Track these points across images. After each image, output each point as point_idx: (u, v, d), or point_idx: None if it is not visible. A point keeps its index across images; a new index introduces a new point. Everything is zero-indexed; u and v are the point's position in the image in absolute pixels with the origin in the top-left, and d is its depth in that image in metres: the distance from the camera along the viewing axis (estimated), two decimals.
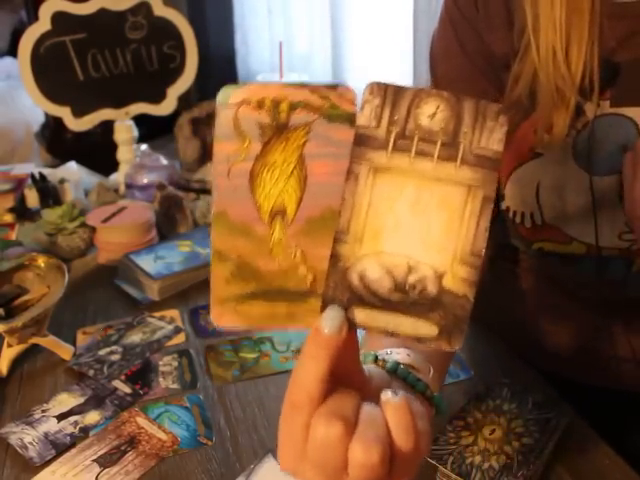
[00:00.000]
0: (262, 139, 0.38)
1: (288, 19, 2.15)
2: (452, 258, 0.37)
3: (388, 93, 0.37)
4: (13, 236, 1.18)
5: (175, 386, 0.78)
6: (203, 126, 1.47)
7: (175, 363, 0.83)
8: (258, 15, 2.31)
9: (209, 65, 2.41)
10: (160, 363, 0.83)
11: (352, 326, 0.37)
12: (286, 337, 0.86)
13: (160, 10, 1.38)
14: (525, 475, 0.59)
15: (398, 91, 0.37)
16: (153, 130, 1.73)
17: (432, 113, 0.36)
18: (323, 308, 0.37)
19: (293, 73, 1.67)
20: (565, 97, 0.63)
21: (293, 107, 0.37)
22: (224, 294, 0.39)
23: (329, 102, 0.37)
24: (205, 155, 1.45)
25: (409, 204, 0.37)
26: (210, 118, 1.46)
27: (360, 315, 0.38)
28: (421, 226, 0.37)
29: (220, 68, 2.60)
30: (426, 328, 0.37)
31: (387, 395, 0.38)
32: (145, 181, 1.29)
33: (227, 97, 0.38)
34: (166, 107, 1.43)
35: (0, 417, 0.73)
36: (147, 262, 1.01)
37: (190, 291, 1.00)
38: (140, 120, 1.41)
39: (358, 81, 1.83)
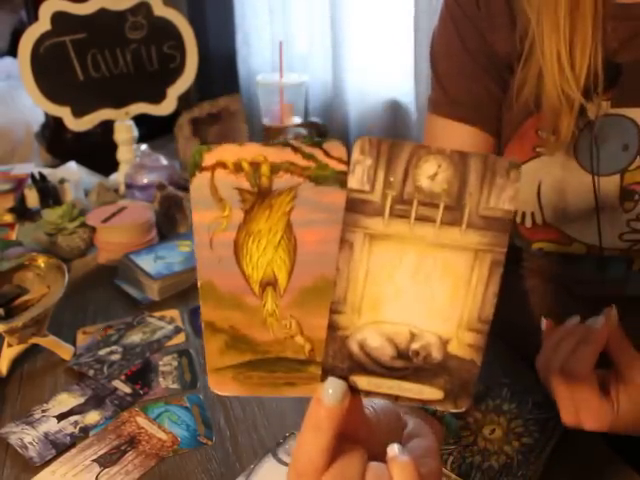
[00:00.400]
0: (243, 206, 0.35)
1: (288, 19, 2.15)
2: (458, 325, 0.34)
3: (381, 151, 0.33)
4: (13, 236, 1.18)
5: (175, 386, 0.78)
6: (203, 126, 1.47)
7: (175, 363, 0.83)
8: (258, 15, 2.31)
9: (209, 65, 2.41)
10: (160, 363, 0.83)
11: (354, 393, 0.36)
12: None
13: (160, 10, 1.38)
14: (525, 475, 0.59)
15: (393, 148, 0.33)
16: (153, 130, 1.73)
17: (433, 173, 0.33)
18: (323, 377, 0.35)
19: (293, 73, 1.67)
20: (570, 99, 0.63)
21: (275, 170, 0.34)
22: (219, 364, 0.38)
23: (315, 162, 0.34)
24: None
25: (410, 272, 0.34)
26: (210, 118, 1.46)
27: (362, 383, 0.36)
28: (424, 294, 0.34)
29: (220, 68, 2.60)
30: (431, 392, 0.36)
31: (394, 451, 0.36)
32: (145, 181, 1.29)
33: (199, 159, 0.34)
34: (166, 107, 1.43)
35: (0, 417, 0.74)
36: (147, 262, 1.01)
37: (190, 291, 1.00)
38: (140, 120, 1.41)
39: (359, 82, 1.83)
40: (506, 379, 0.71)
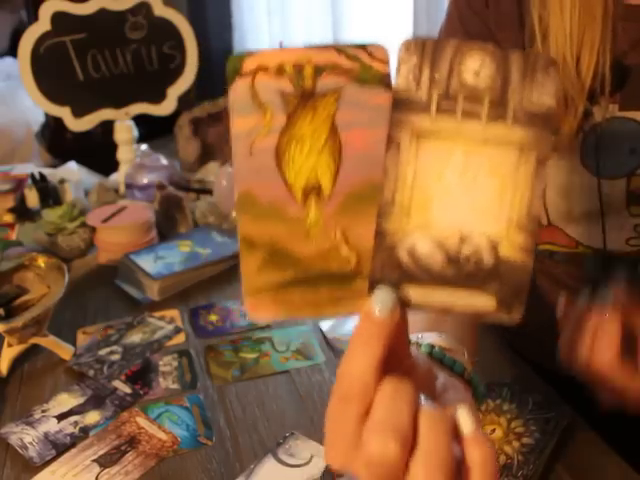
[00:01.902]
0: (286, 110, 0.34)
1: (287, 19, 2.15)
2: (507, 225, 0.33)
3: (426, 50, 0.33)
4: (13, 236, 1.18)
5: (175, 386, 0.78)
6: (203, 126, 1.47)
7: (175, 363, 0.83)
8: (257, 15, 2.31)
9: (209, 65, 2.41)
10: (160, 363, 0.83)
11: (404, 306, 0.34)
12: (286, 337, 0.86)
13: (160, 10, 1.38)
14: (525, 475, 0.59)
15: (437, 46, 0.33)
16: (153, 130, 1.73)
17: (477, 69, 0.33)
18: (371, 290, 0.34)
19: None
20: (574, 101, 0.63)
21: (318, 71, 0.33)
22: (257, 284, 0.35)
23: (359, 63, 0.33)
24: (205, 155, 1.45)
25: (458, 171, 0.33)
26: (210, 118, 1.46)
27: (413, 293, 0.34)
28: (472, 193, 0.33)
29: (220, 68, 2.60)
30: (484, 301, 0.34)
31: (464, 416, 0.34)
32: (145, 181, 1.29)
33: (239, 65, 0.33)
34: (166, 107, 1.43)
35: (0, 417, 0.74)
36: (147, 262, 1.01)
37: (190, 291, 1.00)
38: (140, 120, 1.41)
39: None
40: (506, 379, 0.71)
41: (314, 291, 0.35)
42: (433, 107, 0.33)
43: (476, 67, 0.33)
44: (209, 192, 1.29)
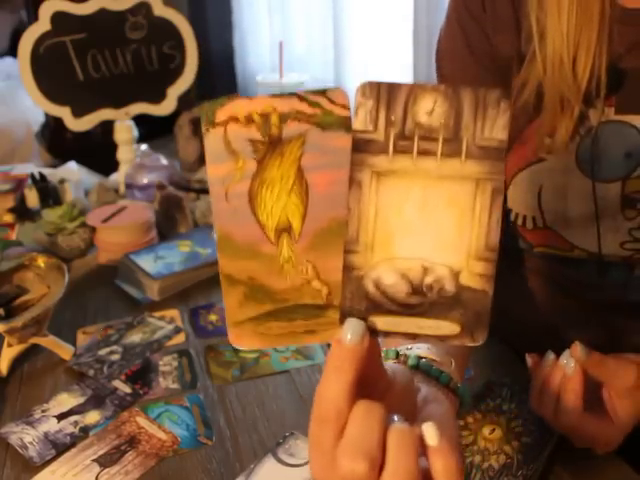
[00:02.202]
0: (256, 156, 0.36)
1: (287, 19, 2.15)
2: (467, 255, 0.36)
3: (381, 93, 0.35)
4: (13, 236, 1.18)
5: (175, 386, 0.78)
6: None
7: (175, 363, 0.83)
8: (257, 15, 2.31)
9: (209, 65, 2.41)
10: (160, 363, 0.83)
11: (373, 334, 0.37)
12: None
13: (160, 10, 1.38)
14: (525, 475, 0.59)
15: (391, 89, 0.35)
16: (153, 130, 1.73)
17: (430, 109, 0.35)
18: (342, 320, 0.36)
19: (292, 73, 1.67)
20: (570, 104, 0.63)
21: (283, 119, 0.36)
22: (239, 317, 0.38)
23: (320, 109, 0.36)
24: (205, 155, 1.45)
25: (417, 206, 0.36)
26: None
27: (380, 322, 0.37)
28: (432, 227, 0.36)
29: (220, 68, 2.60)
30: (448, 327, 0.36)
31: (429, 429, 0.36)
32: (145, 181, 1.29)
33: (211, 116, 0.36)
34: (166, 107, 1.43)
35: (0, 417, 0.74)
36: (147, 262, 1.01)
37: (190, 291, 1.00)
38: (140, 120, 1.41)
39: (359, 80, 1.83)
40: (506, 379, 0.71)
41: (290, 322, 0.38)
42: (390, 148, 0.35)
43: (429, 107, 0.35)
44: (209, 192, 1.29)
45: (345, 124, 0.36)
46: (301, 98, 0.36)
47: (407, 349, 0.49)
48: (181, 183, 1.34)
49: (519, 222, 0.72)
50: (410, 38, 1.55)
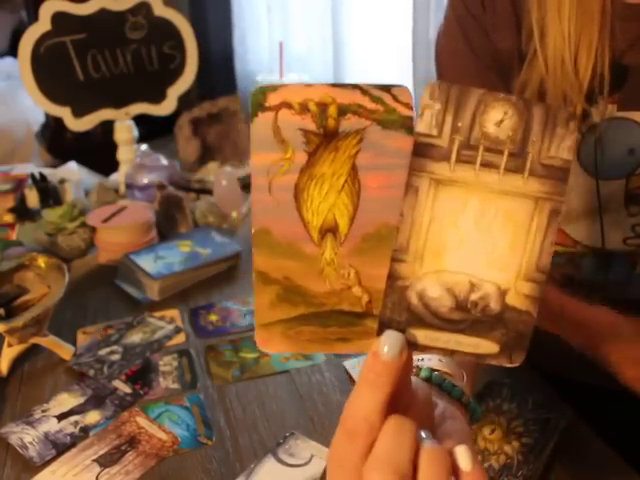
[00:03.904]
0: (307, 148, 0.34)
1: (287, 19, 2.15)
2: (516, 275, 0.34)
3: (451, 97, 0.33)
4: (13, 236, 1.18)
5: (175, 386, 0.78)
6: (203, 126, 1.47)
7: (175, 363, 0.83)
8: (257, 15, 2.31)
9: (209, 65, 2.41)
10: (160, 363, 0.83)
11: (411, 348, 0.35)
12: None
13: (160, 10, 1.38)
14: (525, 475, 0.59)
15: (462, 94, 0.33)
16: (153, 130, 1.73)
17: (499, 120, 0.33)
18: (380, 331, 0.35)
19: (292, 73, 1.67)
20: (572, 102, 0.63)
21: (342, 112, 0.34)
22: (269, 319, 0.36)
23: (383, 105, 0.34)
24: (205, 155, 1.45)
25: (473, 219, 0.34)
26: (210, 118, 1.46)
27: (420, 336, 0.35)
28: (485, 242, 0.34)
29: (220, 68, 2.60)
30: (487, 346, 0.35)
31: (463, 454, 0.35)
32: (145, 181, 1.29)
33: (262, 99, 0.33)
34: (166, 107, 1.43)
35: (0, 417, 0.74)
36: (147, 262, 1.01)
37: (190, 291, 1.00)
38: (140, 120, 1.41)
39: (358, 81, 1.83)
40: (506, 379, 0.71)
41: (324, 328, 0.36)
42: (453, 156, 0.33)
43: (498, 117, 0.33)
44: (209, 192, 1.29)
45: (407, 125, 0.34)
46: (363, 91, 0.34)
47: (419, 360, 0.49)
48: (181, 183, 1.34)
49: None
50: (410, 38, 1.55)
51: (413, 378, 0.43)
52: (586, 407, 0.70)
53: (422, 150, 0.33)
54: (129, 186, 1.30)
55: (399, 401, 0.37)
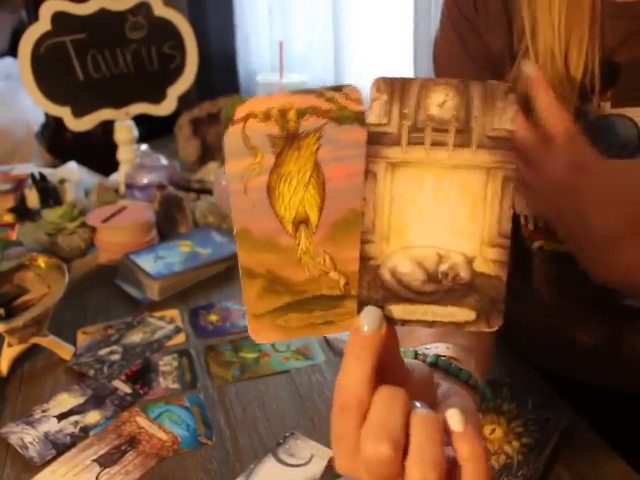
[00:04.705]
0: (274, 151, 0.37)
1: (287, 19, 2.15)
2: (480, 242, 0.37)
3: (395, 87, 0.36)
4: (13, 236, 1.18)
5: (175, 386, 0.78)
6: (203, 126, 1.47)
7: (175, 363, 0.83)
8: (257, 15, 2.31)
9: (209, 65, 2.41)
10: (160, 363, 0.83)
11: (390, 322, 0.37)
12: None
13: (160, 10, 1.38)
14: (525, 475, 0.59)
15: (405, 84, 0.36)
16: (153, 130, 1.73)
17: (441, 102, 0.36)
18: (360, 309, 0.37)
19: (293, 73, 1.67)
20: (564, 100, 0.63)
21: (301, 114, 0.37)
22: (259, 310, 0.39)
23: (336, 104, 0.37)
24: (205, 155, 1.45)
25: (431, 194, 0.37)
26: (210, 118, 1.46)
27: (397, 310, 0.37)
28: (445, 214, 0.37)
29: (220, 68, 2.60)
30: (464, 314, 0.37)
31: (454, 416, 0.37)
32: (145, 181, 1.29)
33: (231, 112, 0.37)
34: (166, 107, 1.43)
35: (0, 417, 0.74)
36: (147, 262, 1.01)
37: (190, 291, 1.00)
38: (140, 120, 1.41)
39: (359, 81, 1.83)
40: (506, 379, 0.71)
41: (309, 313, 0.39)
42: (404, 139, 0.37)
43: (440, 100, 0.36)
44: (209, 192, 1.29)
45: (360, 118, 0.37)
46: (318, 94, 0.37)
47: (426, 349, 0.49)
48: (181, 183, 1.34)
49: (521, 221, 0.72)
50: (411, 37, 1.55)
51: (414, 361, 0.44)
52: (586, 407, 0.70)
53: (375, 138, 0.37)
54: (129, 186, 1.30)
55: (392, 377, 0.38)
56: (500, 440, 0.62)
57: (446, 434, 0.36)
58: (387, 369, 0.38)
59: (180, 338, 0.88)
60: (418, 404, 0.37)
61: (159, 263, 1.01)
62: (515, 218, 0.73)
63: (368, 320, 0.36)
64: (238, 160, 0.37)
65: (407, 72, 1.62)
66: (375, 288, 0.37)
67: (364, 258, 0.37)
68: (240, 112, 0.37)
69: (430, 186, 0.37)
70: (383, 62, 1.77)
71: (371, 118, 0.36)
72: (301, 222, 0.38)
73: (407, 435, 0.35)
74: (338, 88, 0.37)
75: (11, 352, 0.81)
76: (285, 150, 0.37)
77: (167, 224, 1.18)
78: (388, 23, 1.72)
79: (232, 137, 0.37)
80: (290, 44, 2.07)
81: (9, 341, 0.81)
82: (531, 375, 0.77)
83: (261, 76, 1.68)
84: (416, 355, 0.48)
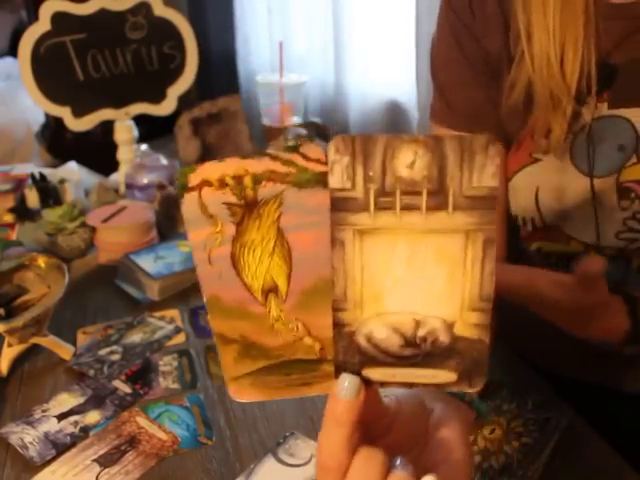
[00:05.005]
0: (234, 220, 0.35)
1: (287, 19, 2.15)
2: (460, 306, 0.35)
3: (356, 148, 0.33)
4: (13, 236, 1.18)
5: (175, 386, 0.78)
6: (203, 126, 1.47)
7: (175, 363, 0.83)
8: (257, 15, 2.31)
9: (209, 65, 2.40)
10: (160, 363, 0.83)
11: (369, 385, 0.37)
12: None
13: (160, 10, 1.38)
14: (525, 475, 0.59)
15: (366, 143, 0.32)
16: (153, 130, 1.73)
17: (410, 162, 0.33)
18: (337, 373, 0.37)
19: (292, 73, 1.67)
20: (561, 102, 0.63)
21: (257, 180, 0.34)
22: (236, 373, 0.38)
23: (295, 167, 0.34)
24: (205, 155, 1.45)
25: (405, 261, 0.34)
26: (210, 118, 1.46)
27: (375, 374, 0.36)
28: (421, 281, 0.35)
29: (220, 68, 2.59)
30: (445, 375, 0.36)
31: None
32: (145, 181, 1.29)
33: (184, 181, 0.35)
34: (166, 107, 1.43)
35: (0, 417, 0.74)
36: (147, 262, 1.01)
37: (190, 291, 1.00)
38: (140, 120, 1.41)
39: (360, 81, 1.83)
40: (506, 379, 0.71)
41: (287, 376, 0.38)
42: (371, 205, 0.33)
43: (409, 160, 0.33)
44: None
45: (322, 180, 0.34)
46: (273, 157, 0.34)
47: None
48: None
49: (519, 223, 0.72)
50: (412, 38, 1.55)
51: (403, 391, 0.44)
52: (586, 407, 0.70)
53: (340, 204, 0.33)
54: (129, 186, 1.30)
55: (376, 427, 0.39)
56: (500, 440, 0.62)
57: None
58: (370, 421, 0.38)
59: (180, 338, 0.88)
60: (398, 462, 0.37)
61: (159, 263, 1.01)
62: (513, 220, 0.73)
63: (345, 387, 0.36)
64: (198, 229, 0.35)
65: (409, 72, 1.62)
66: (351, 353, 0.36)
67: (338, 325, 0.36)
68: (193, 179, 0.35)
69: (404, 252, 0.34)
70: (384, 62, 1.76)
71: (333, 183, 0.33)
72: (270, 290, 0.37)
73: None
74: (295, 148, 0.34)
75: (11, 352, 0.81)
76: (245, 219, 0.35)
77: (167, 224, 1.18)
78: (389, 23, 1.72)
79: (189, 206, 0.35)
80: (290, 44, 2.06)
81: (9, 341, 0.81)
82: (531, 375, 0.77)
83: (261, 76, 1.68)
84: None
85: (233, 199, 0.35)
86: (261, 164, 0.34)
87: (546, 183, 0.68)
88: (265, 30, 2.30)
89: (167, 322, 0.91)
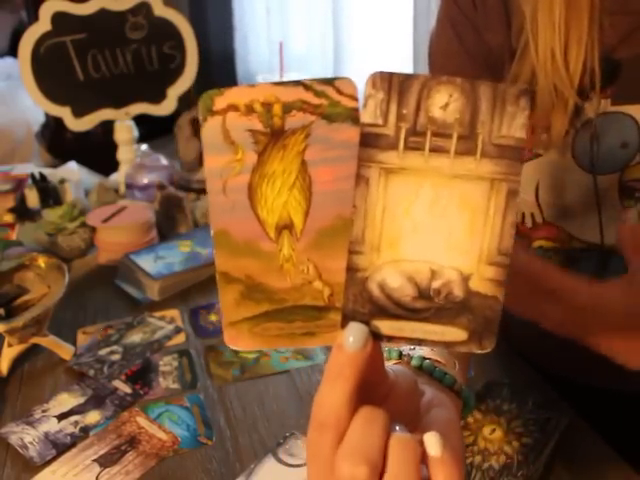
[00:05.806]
0: (257, 148, 0.34)
1: (287, 19, 2.15)
2: (478, 259, 0.34)
3: (393, 84, 0.32)
4: (13, 236, 1.18)
5: (175, 386, 0.78)
6: None
7: (175, 363, 0.83)
8: (256, 15, 2.31)
9: (209, 65, 2.41)
10: (160, 363, 0.83)
11: (376, 338, 0.35)
12: None
13: (160, 10, 1.38)
14: (525, 475, 0.59)
15: (404, 81, 0.32)
16: (153, 130, 1.73)
17: (445, 103, 0.32)
18: (344, 323, 0.35)
19: (292, 73, 1.67)
20: (564, 97, 0.63)
21: (287, 109, 0.33)
22: (236, 317, 0.36)
23: (327, 99, 0.33)
24: None
25: (427, 206, 0.33)
26: None
27: (384, 327, 0.35)
28: (442, 228, 0.33)
29: (220, 68, 2.60)
30: (455, 333, 0.35)
31: (432, 440, 0.35)
32: (145, 181, 1.29)
33: (210, 104, 0.34)
34: (166, 107, 1.43)
35: (0, 417, 0.74)
36: (147, 262, 1.01)
37: (190, 291, 1.00)
38: (140, 120, 1.41)
39: (358, 81, 1.83)
40: (506, 379, 0.71)
41: (289, 323, 0.36)
42: (401, 143, 0.33)
43: (444, 101, 0.33)
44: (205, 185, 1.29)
45: (353, 116, 0.33)
46: (307, 87, 0.33)
47: (411, 349, 0.49)
48: (181, 183, 1.34)
49: (518, 219, 0.72)
50: (410, 37, 1.55)
51: (398, 367, 0.43)
52: (586, 407, 0.70)
53: (369, 140, 0.33)
54: (129, 186, 1.30)
55: (375, 392, 0.37)
56: (500, 440, 0.62)
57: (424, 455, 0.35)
58: (370, 383, 0.37)
59: (180, 338, 0.88)
60: (397, 427, 0.35)
61: (159, 263, 1.01)
62: None
63: (352, 337, 0.34)
64: (217, 155, 0.34)
65: (407, 71, 1.63)
66: (362, 302, 0.34)
67: (351, 269, 0.34)
68: (220, 103, 0.33)
69: (427, 197, 0.33)
70: (383, 62, 1.76)
71: (365, 117, 0.33)
72: (284, 227, 0.35)
73: (384, 457, 0.34)
74: (330, 81, 0.33)
75: (11, 352, 0.81)
76: (269, 148, 0.34)
77: (167, 224, 1.18)
78: (388, 23, 1.72)
79: (211, 130, 0.34)
80: (289, 44, 2.07)
81: (9, 341, 0.81)
82: (531, 375, 0.77)
83: (261, 76, 1.68)
84: (400, 355, 0.47)
85: (259, 126, 0.34)
86: (293, 93, 0.33)
87: (546, 178, 0.68)
88: (264, 30, 2.30)
89: (167, 322, 0.91)
